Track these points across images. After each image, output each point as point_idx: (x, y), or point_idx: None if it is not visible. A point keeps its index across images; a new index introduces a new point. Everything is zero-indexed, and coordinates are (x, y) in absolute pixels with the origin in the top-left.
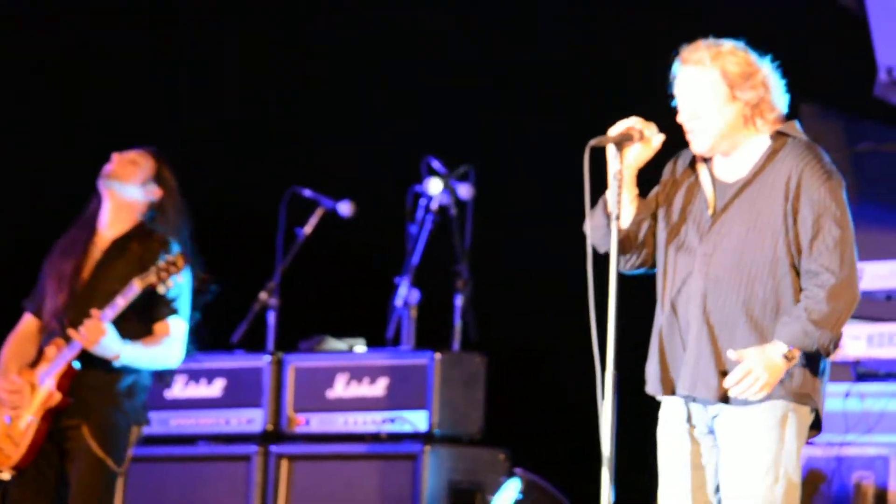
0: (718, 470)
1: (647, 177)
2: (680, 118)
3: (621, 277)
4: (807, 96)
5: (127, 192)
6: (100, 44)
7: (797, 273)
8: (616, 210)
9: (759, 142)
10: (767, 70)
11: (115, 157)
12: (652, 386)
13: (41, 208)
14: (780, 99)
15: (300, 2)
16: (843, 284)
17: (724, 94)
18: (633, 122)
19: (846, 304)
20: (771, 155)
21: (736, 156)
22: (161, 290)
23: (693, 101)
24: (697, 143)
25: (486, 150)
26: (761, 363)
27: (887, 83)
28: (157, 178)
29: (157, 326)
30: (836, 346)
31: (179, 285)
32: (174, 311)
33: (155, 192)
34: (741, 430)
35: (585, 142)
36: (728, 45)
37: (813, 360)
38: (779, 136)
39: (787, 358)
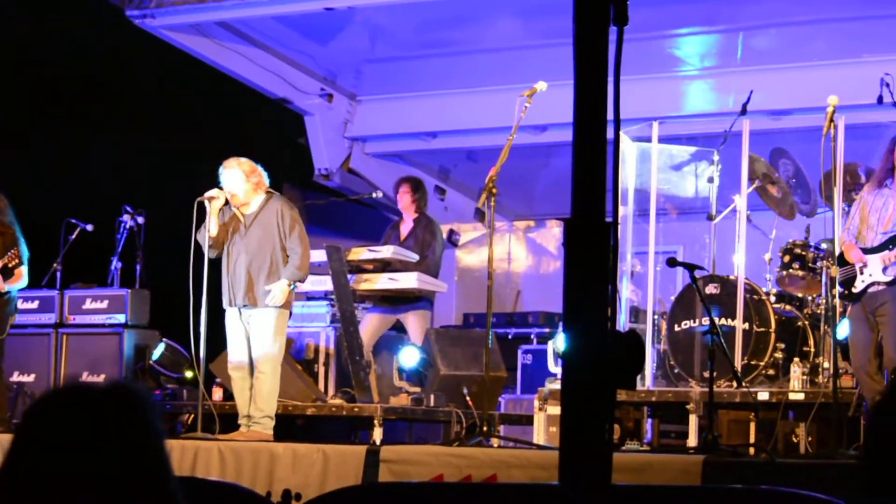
0: (250, 336)
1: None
2: (226, 189)
3: (209, 259)
4: (286, 180)
5: None
6: None
7: (284, 251)
8: (209, 227)
9: (260, 197)
10: (260, 169)
11: None
12: (224, 303)
13: None
14: (265, 179)
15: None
16: (303, 254)
17: (243, 179)
18: (214, 191)
19: (306, 262)
20: (266, 201)
21: (252, 203)
22: (12, 265)
23: (231, 182)
24: (235, 200)
25: (151, 201)
26: (278, 288)
27: (318, 175)
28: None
29: (16, 272)
30: (304, 281)
31: (22, 256)
32: (21, 265)
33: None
34: (263, 320)
35: (200, 195)
36: (244, 159)
37: (293, 287)
38: (268, 193)
39: (288, 285)
